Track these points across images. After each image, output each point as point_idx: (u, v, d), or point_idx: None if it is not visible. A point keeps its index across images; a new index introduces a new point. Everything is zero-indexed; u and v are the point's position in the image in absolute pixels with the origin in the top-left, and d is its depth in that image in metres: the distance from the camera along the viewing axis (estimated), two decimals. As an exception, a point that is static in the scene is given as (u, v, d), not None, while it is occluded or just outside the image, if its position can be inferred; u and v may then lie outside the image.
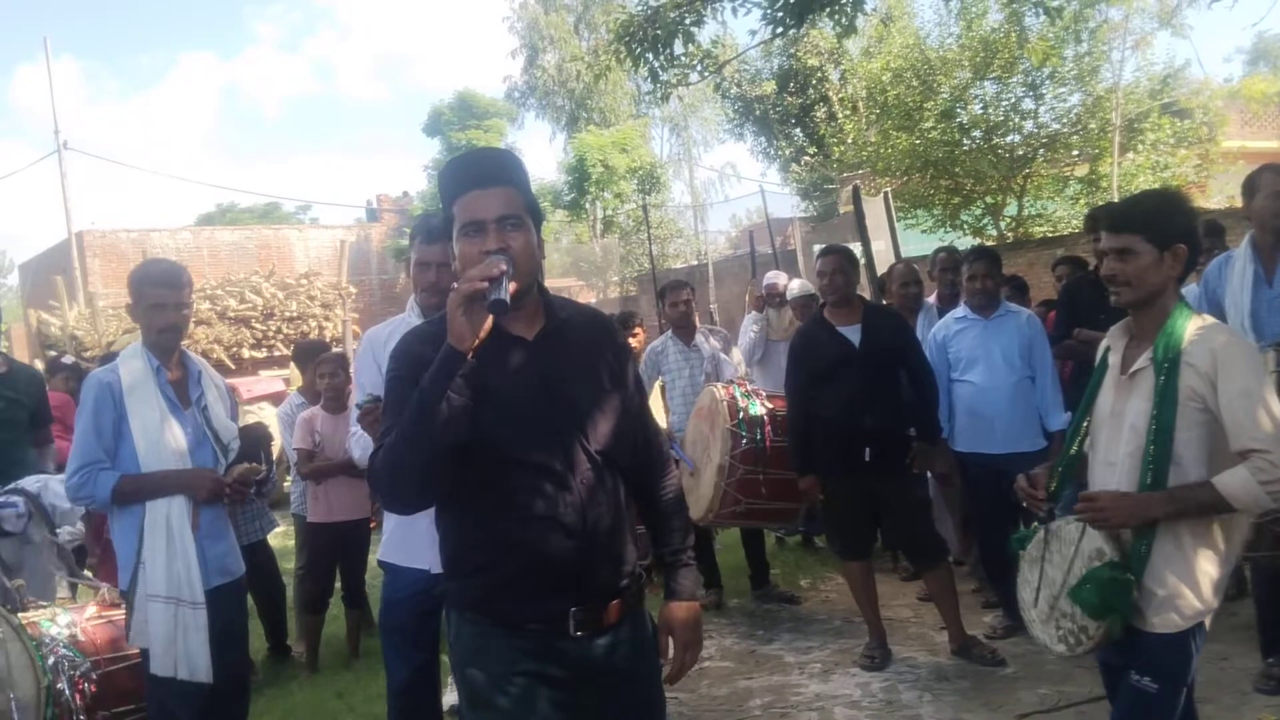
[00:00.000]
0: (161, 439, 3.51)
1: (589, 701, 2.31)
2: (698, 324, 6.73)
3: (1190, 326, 2.63)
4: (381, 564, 3.63)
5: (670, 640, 2.45)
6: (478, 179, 2.26)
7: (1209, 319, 2.72)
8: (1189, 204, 2.87)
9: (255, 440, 3.96)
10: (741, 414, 5.62)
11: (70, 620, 3.85)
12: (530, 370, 2.27)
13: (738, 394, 5.76)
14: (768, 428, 5.62)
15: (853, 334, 5.11)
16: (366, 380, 3.57)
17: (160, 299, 3.56)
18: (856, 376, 5.06)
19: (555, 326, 2.33)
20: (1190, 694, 2.75)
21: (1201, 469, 2.59)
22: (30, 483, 4.60)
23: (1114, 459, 2.72)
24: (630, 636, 2.37)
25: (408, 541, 3.45)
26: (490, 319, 2.09)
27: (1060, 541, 2.79)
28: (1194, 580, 2.61)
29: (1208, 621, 2.67)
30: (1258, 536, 3.51)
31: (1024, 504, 3.00)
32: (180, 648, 3.40)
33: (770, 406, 5.73)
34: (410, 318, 3.51)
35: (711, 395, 5.81)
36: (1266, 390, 2.52)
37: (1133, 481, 2.65)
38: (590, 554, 2.27)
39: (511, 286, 2.10)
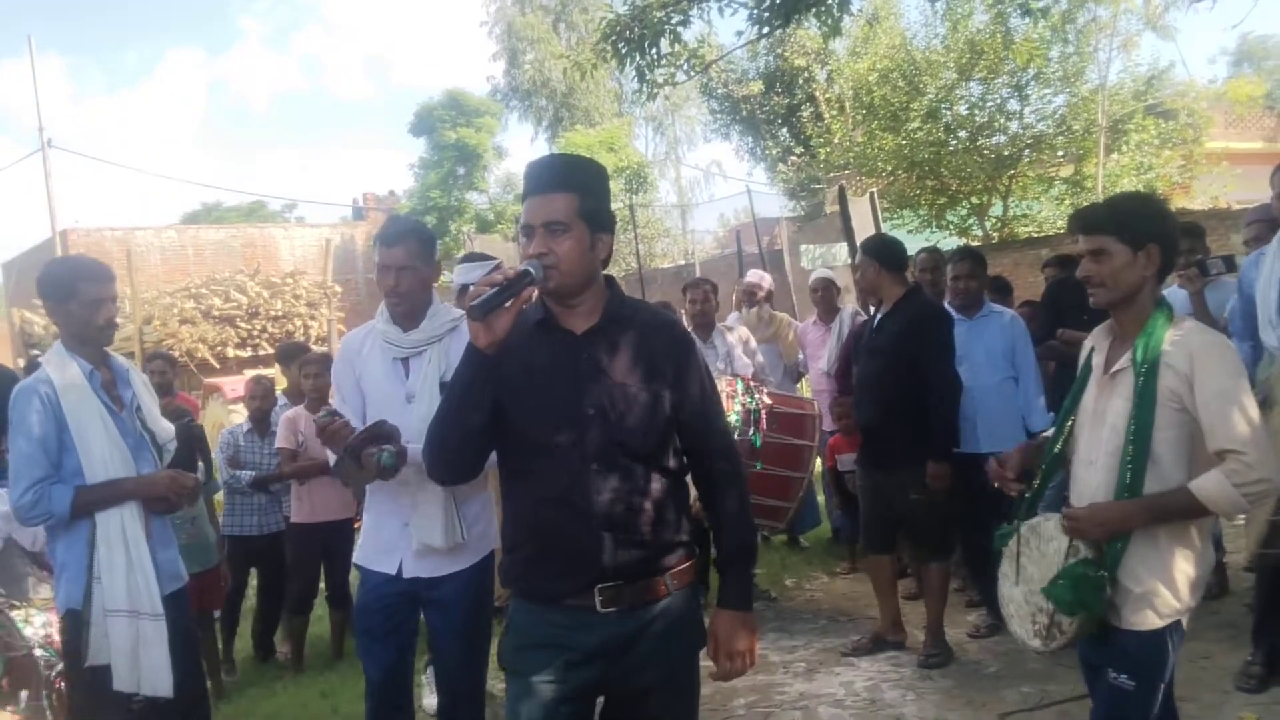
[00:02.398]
0: (106, 446, 3.36)
1: (615, 679, 2.44)
2: (717, 321, 6.78)
3: (1170, 328, 2.65)
4: (355, 566, 3.63)
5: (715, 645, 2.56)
6: (537, 185, 2.41)
7: (1189, 320, 2.74)
8: (1163, 205, 2.90)
9: (189, 440, 3.81)
10: (740, 408, 5.63)
11: (45, 620, 3.84)
12: (568, 362, 2.41)
13: (739, 388, 5.76)
14: (764, 423, 5.63)
15: (878, 322, 5.18)
16: (345, 386, 3.53)
17: (99, 293, 3.43)
18: (864, 367, 5.20)
19: (606, 324, 2.45)
20: (1170, 692, 2.76)
21: (1180, 469, 2.60)
22: None
23: (1094, 457, 2.74)
24: (665, 619, 2.45)
25: (376, 545, 3.45)
26: (508, 318, 2.23)
27: (1039, 538, 2.82)
28: (1170, 578, 2.62)
29: (1186, 620, 2.68)
30: (1272, 533, 3.52)
31: (995, 484, 3.03)
32: (143, 663, 3.29)
33: (770, 403, 5.76)
34: (379, 324, 3.47)
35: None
36: (1243, 392, 2.54)
37: (1111, 480, 2.67)
38: (601, 537, 2.37)
39: (534, 292, 2.30)
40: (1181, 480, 2.59)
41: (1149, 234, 2.68)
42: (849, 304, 7.25)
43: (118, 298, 3.54)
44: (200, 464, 5.33)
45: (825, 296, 7.19)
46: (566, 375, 2.40)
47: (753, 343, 6.87)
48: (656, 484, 2.45)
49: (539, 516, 2.41)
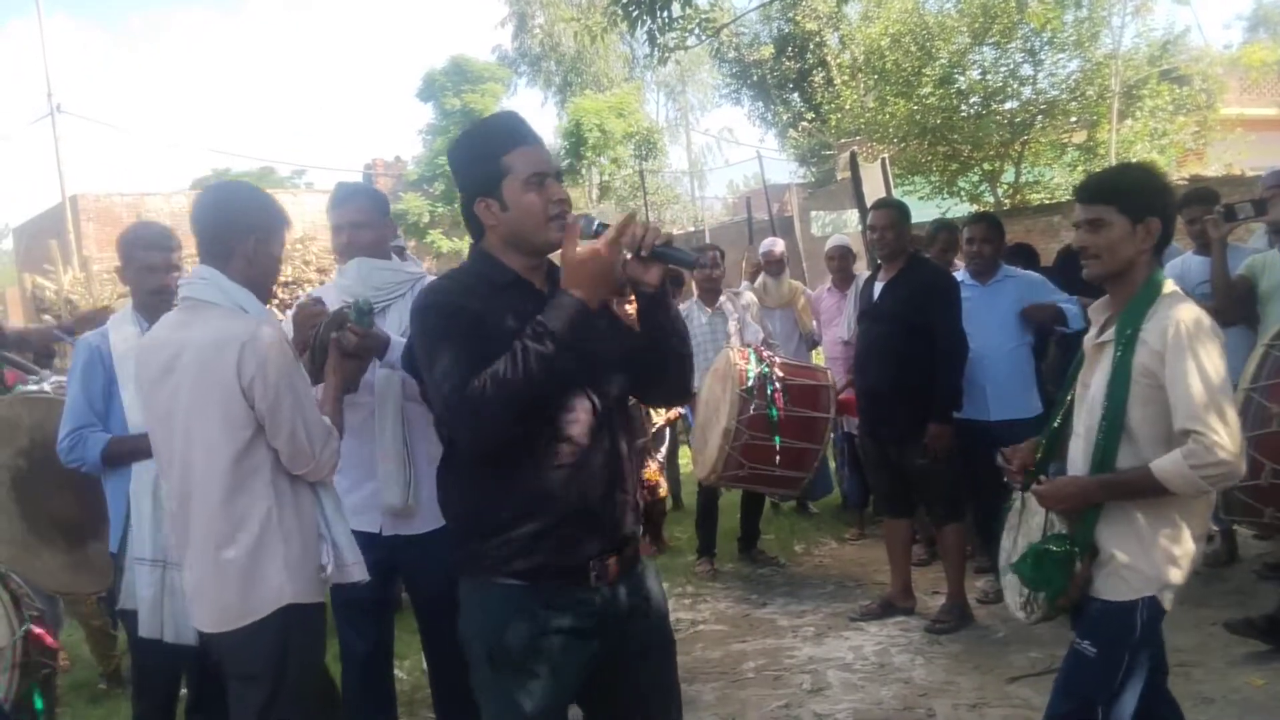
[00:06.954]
0: None
1: (608, 650, 2.33)
2: (723, 288, 6.72)
3: (1157, 302, 2.58)
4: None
5: None
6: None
7: (1178, 295, 2.63)
8: (1164, 179, 2.80)
9: None
10: (753, 380, 5.62)
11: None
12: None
13: (752, 359, 5.76)
14: (778, 394, 5.62)
15: (882, 289, 5.16)
16: None
17: (151, 261, 3.52)
18: (869, 332, 5.18)
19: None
20: (1158, 670, 2.74)
21: (1157, 446, 2.54)
22: None
23: (1080, 430, 2.72)
24: (645, 580, 2.42)
25: (353, 506, 3.36)
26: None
27: (1029, 511, 2.81)
28: (1144, 551, 2.58)
29: (1168, 598, 2.61)
30: (1228, 502, 3.51)
31: (1004, 479, 3.00)
32: (167, 610, 3.35)
33: (783, 375, 5.73)
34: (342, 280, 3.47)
35: (727, 358, 5.81)
36: (1212, 371, 2.46)
37: (1090, 453, 2.63)
38: (622, 500, 2.33)
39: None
40: (1156, 457, 2.53)
41: (1150, 207, 2.61)
42: (864, 271, 7.18)
43: (176, 267, 3.55)
44: None
45: (842, 264, 7.08)
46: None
47: (755, 308, 6.79)
48: (630, 436, 2.44)
49: (561, 484, 2.22)
